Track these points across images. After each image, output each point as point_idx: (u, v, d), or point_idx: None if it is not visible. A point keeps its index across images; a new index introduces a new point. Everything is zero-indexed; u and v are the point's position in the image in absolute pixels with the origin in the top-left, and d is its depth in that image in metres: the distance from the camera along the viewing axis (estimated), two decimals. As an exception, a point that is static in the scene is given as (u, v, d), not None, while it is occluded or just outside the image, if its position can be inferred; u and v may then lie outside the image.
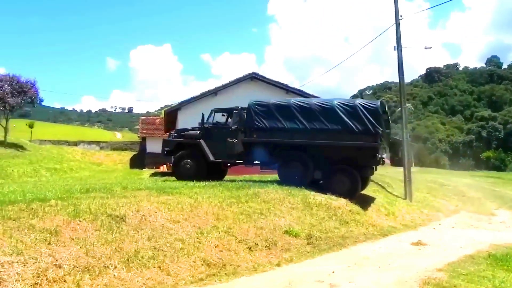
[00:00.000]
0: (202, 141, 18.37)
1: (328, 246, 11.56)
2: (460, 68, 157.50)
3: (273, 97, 19.91)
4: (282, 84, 29.91)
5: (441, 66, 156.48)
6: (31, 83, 38.78)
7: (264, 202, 13.00)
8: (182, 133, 19.68)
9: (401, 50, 21.37)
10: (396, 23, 21.45)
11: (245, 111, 18.05)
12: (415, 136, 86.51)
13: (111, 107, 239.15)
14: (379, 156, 16.45)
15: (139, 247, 8.23)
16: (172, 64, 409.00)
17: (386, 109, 18.09)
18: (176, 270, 8.07)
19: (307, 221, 12.82)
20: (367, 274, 8.77)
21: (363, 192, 18.50)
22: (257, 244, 10.33)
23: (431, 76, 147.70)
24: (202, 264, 8.59)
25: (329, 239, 12.09)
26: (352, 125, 16.19)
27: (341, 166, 16.81)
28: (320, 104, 17.18)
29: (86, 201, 9.78)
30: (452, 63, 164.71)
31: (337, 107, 16.61)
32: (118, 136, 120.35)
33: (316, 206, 14.11)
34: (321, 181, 16.98)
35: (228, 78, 47.49)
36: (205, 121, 18.72)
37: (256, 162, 18.45)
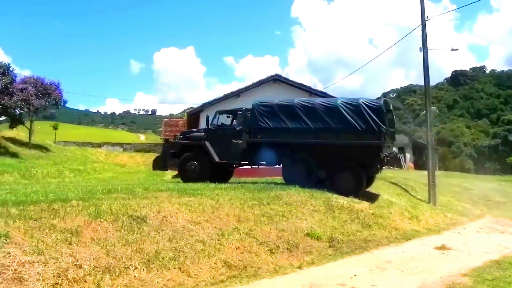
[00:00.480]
0: (207, 143, 18.50)
1: (350, 249, 11.43)
2: (487, 71, 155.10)
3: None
4: (305, 86, 29.68)
5: (467, 69, 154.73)
6: (55, 85, 39.08)
7: (286, 205, 12.93)
8: (188, 135, 19.86)
9: (427, 51, 21.07)
10: (422, 24, 21.16)
11: (249, 112, 18.13)
12: (440, 140, 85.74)
13: (135, 109, 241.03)
14: (383, 154, 16.45)
15: (159, 248, 8.22)
16: (195, 66, 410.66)
17: (391, 108, 18.05)
18: (196, 271, 8.04)
19: (329, 224, 12.71)
20: (390, 278, 8.65)
21: (386, 195, 18.34)
22: (279, 247, 10.27)
23: (457, 79, 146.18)
24: (222, 266, 8.56)
25: (351, 242, 11.95)
26: (356, 124, 16.25)
27: (346, 164, 16.82)
28: (323, 103, 17.25)
29: (107, 201, 9.81)
30: (478, 66, 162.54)
31: (340, 106, 16.67)
32: (142, 138, 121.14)
33: (339, 209, 14.00)
34: (326, 182, 16.80)
35: (252, 80, 47.55)
36: (210, 122, 18.90)
37: (262, 162, 18.52)
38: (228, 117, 19.48)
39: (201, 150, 18.56)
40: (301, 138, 17.03)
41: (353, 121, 16.27)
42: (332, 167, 16.89)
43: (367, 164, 16.83)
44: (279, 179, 18.15)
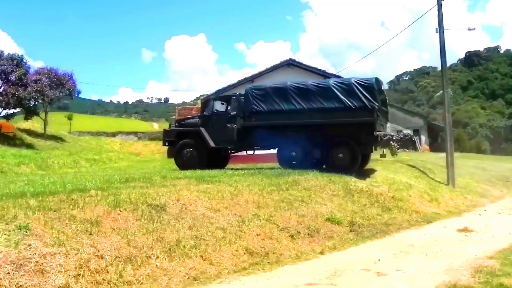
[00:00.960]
0: (202, 129, 18.66)
1: (371, 233, 11.35)
2: (501, 51, 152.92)
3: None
4: (319, 70, 29.40)
5: (481, 49, 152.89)
6: (68, 75, 39.06)
7: (304, 190, 12.82)
8: (183, 122, 20.15)
9: (443, 32, 20.78)
10: (438, 3, 20.84)
11: (243, 96, 18.35)
12: (455, 121, 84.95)
13: (148, 98, 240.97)
14: (377, 132, 16.63)
15: (180, 237, 8.14)
16: (207, 53, 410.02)
17: (383, 88, 18.44)
18: (218, 259, 7.95)
19: (349, 208, 12.62)
20: (415, 262, 8.50)
21: (405, 178, 18.19)
22: (299, 232, 10.17)
23: (471, 60, 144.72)
24: (244, 253, 8.47)
25: (372, 226, 11.86)
26: (349, 103, 16.48)
27: (340, 141, 17.02)
28: (316, 84, 17.55)
29: (126, 190, 9.73)
30: (492, 46, 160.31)
31: (333, 86, 16.93)
32: (155, 126, 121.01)
33: (358, 192, 13.94)
34: (324, 165, 16.96)
35: (264, 66, 47.43)
36: (204, 109, 19.44)
37: (257, 147, 18.75)
38: (222, 103, 19.60)
39: (197, 136, 18.71)
40: (295, 119, 17.23)
41: (346, 100, 16.52)
42: (327, 146, 17.07)
43: (362, 142, 17.00)
44: (277, 164, 18.20)
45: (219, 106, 19.32)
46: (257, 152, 19.26)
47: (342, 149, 16.85)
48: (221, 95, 20.97)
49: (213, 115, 18.88)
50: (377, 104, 16.30)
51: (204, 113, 19.27)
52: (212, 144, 18.39)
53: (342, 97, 16.56)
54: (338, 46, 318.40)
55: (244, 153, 19.54)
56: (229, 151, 19.67)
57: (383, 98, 17.84)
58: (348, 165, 16.51)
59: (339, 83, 17.05)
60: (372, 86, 16.57)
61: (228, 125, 18.27)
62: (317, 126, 16.94)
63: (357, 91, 16.42)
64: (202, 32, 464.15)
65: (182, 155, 18.79)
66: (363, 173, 16.81)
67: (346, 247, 10.06)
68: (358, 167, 17.17)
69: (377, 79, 17.25)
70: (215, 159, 18.95)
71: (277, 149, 17.95)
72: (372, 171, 18.01)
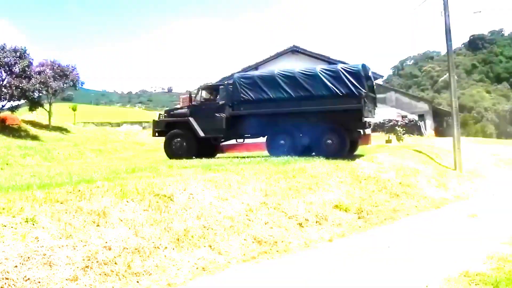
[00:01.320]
0: (191, 118, 18.89)
1: (379, 220, 11.28)
2: (506, 34, 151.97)
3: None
4: (323, 56, 29.12)
5: (485, 33, 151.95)
6: (72, 67, 39.12)
7: (311, 177, 12.75)
8: (172, 113, 20.34)
9: (448, 15, 20.60)
10: (443, -14, 20.65)
11: (231, 85, 18.54)
12: (460, 106, 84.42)
13: (151, 87, 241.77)
14: (365, 118, 16.89)
15: (188, 227, 8.06)
16: (210, 41, 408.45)
17: (370, 74, 18.30)
18: (227, 248, 7.87)
19: (357, 194, 12.59)
20: (425, 248, 8.40)
21: (412, 164, 18.08)
22: (308, 220, 10.11)
23: (475, 43, 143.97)
24: (253, 242, 8.38)
25: (380, 212, 11.81)
26: (336, 89, 16.71)
27: (328, 126, 17.15)
28: (303, 72, 17.65)
29: (132, 181, 9.63)
30: (497, 29, 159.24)
31: (320, 73, 17.12)
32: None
33: (365, 179, 13.93)
34: (313, 152, 17.02)
35: (268, 53, 47.36)
36: (193, 99, 19.66)
37: (246, 135, 19.13)
38: (210, 93, 19.83)
39: (186, 126, 18.93)
40: (284, 107, 17.39)
41: (333, 87, 16.75)
42: (315, 133, 17.14)
43: (350, 128, 17.38)
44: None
45: (207, 96, 19.53)
46: (254, 140, 19.54)
47: (330, 135, 17.02)
48: (209, 84, 21.28)
49: (201, 105, 19.16)
50: (364, 90, 16.47)
51: (193, 103, 19.49)
52: (201, 133, 18.64)
53: (329, 84, 16.77)
54: (340, 32, 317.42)
55: (243, 141, 19.87)
56: (219, 140, 19.85)
57: (370, 84, 18.00)
58: (337, 151, 16.61)
59: (326, 70, 17.25)
60: (359, 73, 16.74)
61: (217, 115, 18.46)
62: (305, 114, 17.12)
63: (344, 78, 16.61)
64: (204, 20, 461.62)
65: (171, 145, 19.09)
66: (370, 159, 16.74)
67: (355, 234, 9.99)
68: (348, 153, 17.27)
69: (363, 66, 17.33)
70: (205, 148, 19.14)
71: (266, 137, 18.15)
72: (379, 157, 17.91)
